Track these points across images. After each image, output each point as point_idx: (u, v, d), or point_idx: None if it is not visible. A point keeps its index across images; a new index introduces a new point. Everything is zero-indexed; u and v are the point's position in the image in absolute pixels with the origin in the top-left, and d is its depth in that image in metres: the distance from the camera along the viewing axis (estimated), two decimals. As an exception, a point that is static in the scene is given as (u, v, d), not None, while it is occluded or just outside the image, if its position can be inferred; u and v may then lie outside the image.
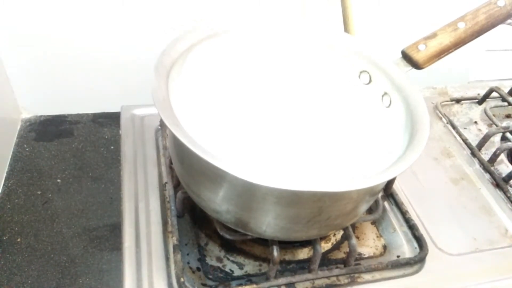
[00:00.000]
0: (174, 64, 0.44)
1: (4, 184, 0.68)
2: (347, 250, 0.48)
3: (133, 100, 0.66)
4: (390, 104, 0.49)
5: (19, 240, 0.61)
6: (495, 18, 0.48)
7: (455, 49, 0.49)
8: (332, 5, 0.69)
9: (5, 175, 0.69)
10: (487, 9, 0.48)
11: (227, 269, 0.48)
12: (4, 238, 0.61)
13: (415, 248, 0.51)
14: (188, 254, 0.48)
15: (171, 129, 0.36)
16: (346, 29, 0.65)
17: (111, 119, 0.81)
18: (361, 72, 0.52)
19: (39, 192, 0.68)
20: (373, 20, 0.84)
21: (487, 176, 0.62)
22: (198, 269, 0.47)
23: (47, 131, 0.77)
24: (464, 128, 0.70)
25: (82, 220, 0.65)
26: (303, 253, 0.50)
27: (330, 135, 0.53)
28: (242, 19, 0.51)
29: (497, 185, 0.61)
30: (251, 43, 0.52)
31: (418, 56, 0.48)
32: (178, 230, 0.47)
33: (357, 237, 0.53)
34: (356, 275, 0.48)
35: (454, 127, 0.69)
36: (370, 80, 0.51)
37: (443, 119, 0.71)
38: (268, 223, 0.41)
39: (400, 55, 0.50)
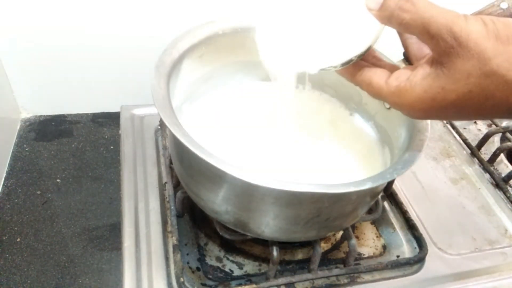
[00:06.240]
0: (175, 64, 0.44)
1: (3, 184, 0.68)
2: (347, 250, 0.48)
3: (133, 100, 0.66)
4: (390, 104, 0.49)
5: (18, 240, 0.61)
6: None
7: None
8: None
9: (4, 175, 0.69)
10: (490, 11, 0.48)
11: (226, 269, 0.48)
12: (4, 238, 0.61)
13: (415, 248, 0.51)
14: (187, 254, 0.48)
15: (170, 129, 0.36)
16: (346, 29, 0.65)
17: (111, 119, 0.81)
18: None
19: (38, 192, 0.68)
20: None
21: (487, 176, 0.62)
22: (198, 269, 0.47)
23: (46, 131, 0.77)
24: (464, 128, 0.70)
25: (81, 220, 0.65)
26: (303, 253, 0.50)
27: (330, 135, 0.53)
28: (242, 19, 0.50)
29: (497, 185, 0.61)
30: (251, 43, 0.52)
31: (419, 57, 0.48)
32: (178, 230, 0.47)
33: (357, 237, 0.53)
34: (356, 275, 0.48)
35: (453, 127, 0.69)
36: (370, 80, 0.51)
37: (443, 119, 0.71)
38: (267, 224, 0.40)
39: (402, 57, 0.50)
